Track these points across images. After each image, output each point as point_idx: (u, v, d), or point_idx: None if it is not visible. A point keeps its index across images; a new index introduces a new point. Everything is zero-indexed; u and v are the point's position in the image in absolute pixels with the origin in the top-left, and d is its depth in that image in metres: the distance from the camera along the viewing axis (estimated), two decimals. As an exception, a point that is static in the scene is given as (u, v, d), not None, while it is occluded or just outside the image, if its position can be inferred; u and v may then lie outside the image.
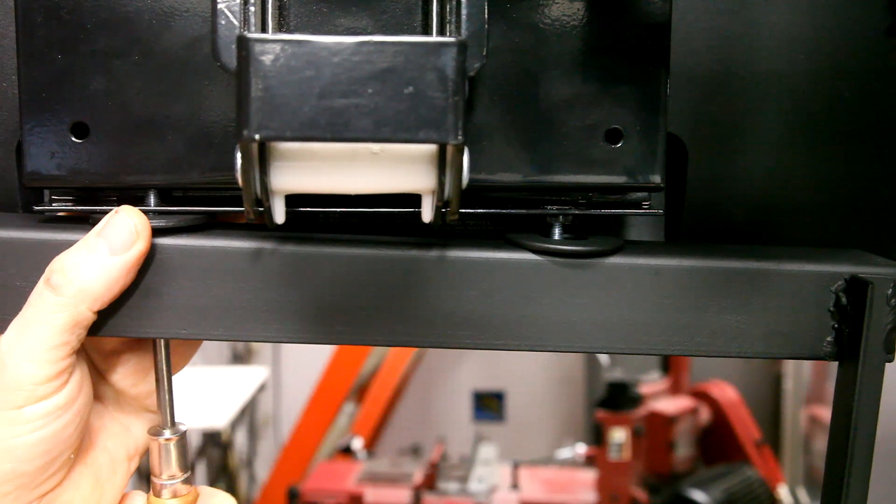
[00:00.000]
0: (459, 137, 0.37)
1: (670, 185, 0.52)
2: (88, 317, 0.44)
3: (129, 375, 0.52)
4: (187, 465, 0.52)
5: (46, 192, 0.48)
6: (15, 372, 0.43)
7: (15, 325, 0.44)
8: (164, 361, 0.50)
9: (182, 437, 0.51)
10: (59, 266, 0.44)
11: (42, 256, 0.45)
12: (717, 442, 3.00)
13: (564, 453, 3.23)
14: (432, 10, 0.43)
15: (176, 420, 0.51)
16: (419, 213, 0.44)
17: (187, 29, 0.45)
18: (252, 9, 0.42)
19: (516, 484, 2.81)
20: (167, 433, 0.51)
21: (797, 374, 3.59)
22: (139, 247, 0.45)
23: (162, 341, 0.50)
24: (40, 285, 0.44)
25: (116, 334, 0.46)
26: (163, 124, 0.45)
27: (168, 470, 0.51)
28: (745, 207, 0.53)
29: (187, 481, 0.51)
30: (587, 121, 0.46)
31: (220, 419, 2.73)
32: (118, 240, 0.44)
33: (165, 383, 0.51)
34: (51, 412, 0.44)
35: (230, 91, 0.45)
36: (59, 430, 0.45)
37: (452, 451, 3.23)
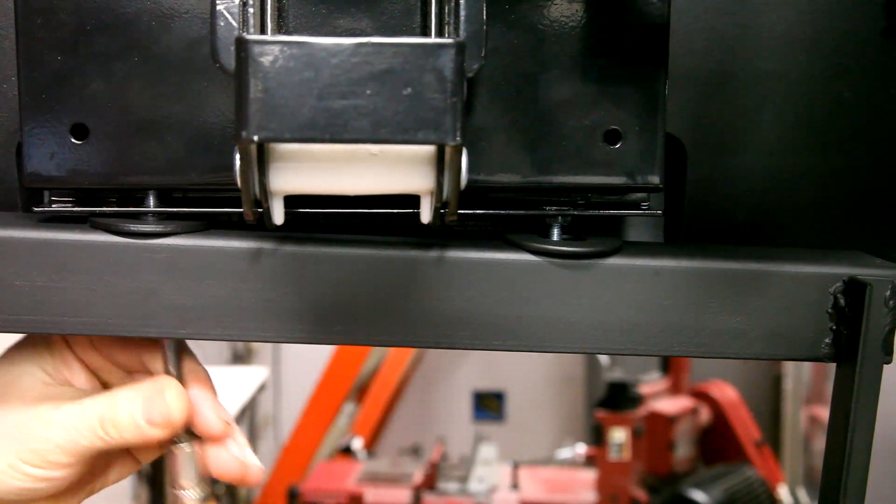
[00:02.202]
0: (458, 138, 0.37)
1: (669, 186, 0.52)
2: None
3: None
4: (199, 479, 0.52)
5: (46, 192, 0.48)
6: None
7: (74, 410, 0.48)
8: (173, 365, 0.50)
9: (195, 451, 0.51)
10: (119, 415, 0.48)
11: (41, 256, 0.45)
12: (717, 442, 3.00)
13: (564, 453, 3.23)
14: (431, 12, 0.43)
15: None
16: (418, 214, 0.44)
17: (186, 30, 0.45)
18: (251, 10, 0.42)
19: (516, 484, 2.81)
20: (184, 442, 0.51)
21: (797, 374, 3.59)
22: (157, 433, 0.48)
23: (170, 344, 0.50)
24: (112, 410, 0.48)
25: (116, 333, 0.46)
26: (162, 126, 0.45)
27: (188, 481, 0.51)
28: (744, 208, 0.53)
29: (206, 492, 0.51)
30: (586, 122, 0.46)
31: (220, 419, 2.72)
32: (154, 413, 0.49)
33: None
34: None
35: (229, 92, 0.45)
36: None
37: (452, 451, 3.22)
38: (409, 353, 3.66)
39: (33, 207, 0.48)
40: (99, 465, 0.53)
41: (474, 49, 0.42)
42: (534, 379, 4.29)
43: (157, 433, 0.49)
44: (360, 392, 3.58)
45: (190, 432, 0.51)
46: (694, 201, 0.53)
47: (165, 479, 0.58)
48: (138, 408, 0.48)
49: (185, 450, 0.51)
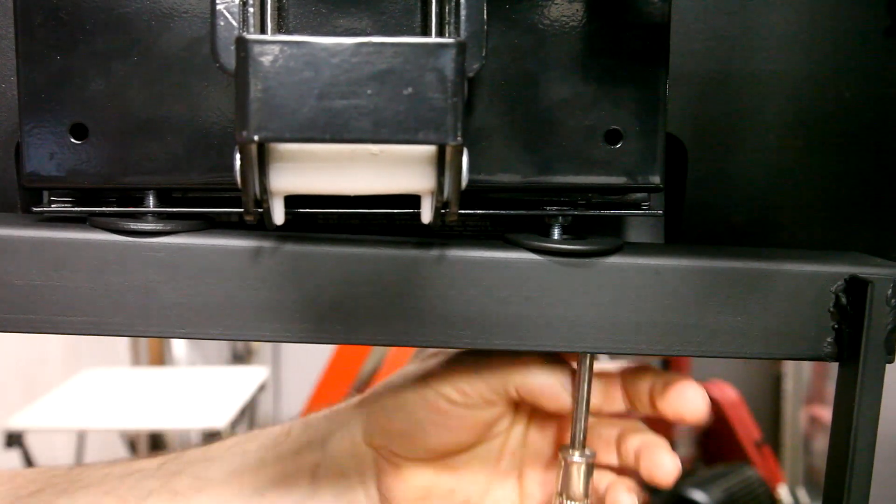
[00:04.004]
0: (458, 138, 0.37)
1: (670, 186, 0.52)
2: None
3: None
4: (588, 493, 0.53)
5: (45, 192, 0.48)
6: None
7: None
8: (585, 380, 0.53)
9: (590, 466, 0.54)
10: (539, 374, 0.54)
11: (39, 254, 0.45)
12: (717, 442, 3.00)
13: (564, 453, 3.22)
14: (431, 11, 0.42)
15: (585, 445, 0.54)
16: (419, 214, 0.44)
17: (186, 30, 0.45)
18: (251, 10, 0.41)
19: (516, 484, 2.80)
20: (576, 456, 0.53)
21: (797, 374, 3.59)
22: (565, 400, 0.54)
23: (588, 358, 0.53)
24: None
25: (115, 333, 0.46)
26: (162, 125, 0.45)
27: (569, 493, 0.53)
28: (744, 208, 0.53)
29: None
30: (586, 121, 0.46)
31: (219, 419, 2.72)
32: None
33: (584, 402, 0.53)
34: None
35: (229, 92, 0.45)
36: None
37: (452, 451, 3.21)
38: (409, 353, 3.65)
39: (32, 207, 0.48)
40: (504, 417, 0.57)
41: (475, 49, 0.42)
42: (534, 379, 4.28)
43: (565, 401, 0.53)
44: (361, 392, 3.57)
45: (585, 446, 0.53)
46: (694, 201, 0.52)
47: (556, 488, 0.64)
48: (560, 376, 0.54)
49: (578, 461, 0.53)
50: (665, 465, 0.53)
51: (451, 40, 0.37)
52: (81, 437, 2.73)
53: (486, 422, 0.55)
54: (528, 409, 0.58)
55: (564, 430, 0.58)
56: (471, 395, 0.53)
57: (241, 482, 0.55)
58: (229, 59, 0.41)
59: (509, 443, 0.58)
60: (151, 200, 0.47)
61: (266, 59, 0.36)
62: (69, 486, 0.54)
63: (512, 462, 0.57)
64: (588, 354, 0.53)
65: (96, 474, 0.55)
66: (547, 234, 0.48)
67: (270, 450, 0.56)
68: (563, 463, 0.54)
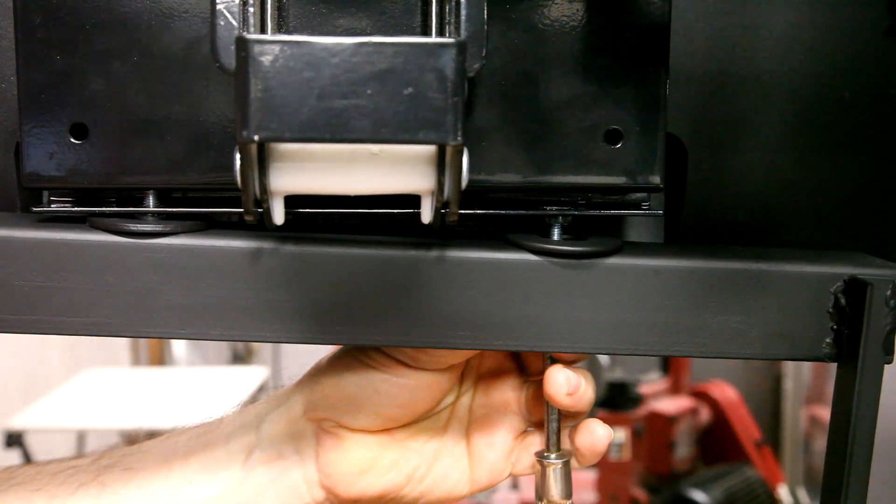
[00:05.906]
0: (459, 138, 0.37)
1: (670, 186, 0.52)
2: None
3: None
4: (569, 493, 0.53)
5: (45, 192, 0.48)
6: None
7: None
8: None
9: (566, 464, 0.53)
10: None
11: (39, 255, 0.45)
12: (717, 442, 3.00)
13: (564, 453, 3.22)
14: (431, 11, 0.43)
15: (561, 445, 0.53)
16: (419, 214, 0.44)
17: (186, 30, 0.45)
18: (251, 10, 0.41)
19: (516, 484, 2.81)
20: (552, 457, 0.53)
21: (797, 374, 3.59)
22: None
23: (549, 359, 0.51)
24: None
25: (115, 334, 0.46)
26: (162, 125, 0.45)
27: (548, 496, 0.53)
28: (744, 208, 0.53)
29: None
30: (586, 121, 0.46)
31: (219, 419, 2.72)
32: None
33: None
34: None
35: (229, 92, 0.45)
36: None
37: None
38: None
39: (32, 208, 0.48)
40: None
41: (475, 49, 0.42)
42: (533, 379, 4.28)
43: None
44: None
45: (562, 449, 0.53)
46: (694, 201, 0.52)
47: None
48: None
49: (555, 462, 0.53)
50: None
51: (451, 40, 0.37)
52: (81, 437, 2.73)
53: (441, 387, 0.54)
54: (473, 378, 0.57)
55: (509, 391, 0.57)
56: (433, 353, 0.51)
57: (168, 471, 0.54)
58: (229, 58, 0.41)
59: (455, 413, 0.57)
60: (151, 201, 0.47)
61: (266, 59, 0.36)
62: (0, 486, 0.54)
63: (459, 429, 0.57)
64: (549, 356, 0.52)
65: (29, 472, 0.55)
66: (547, 234, 0.48)
67: (201, 437, 0.55)
68: (539, 467, 0.54)
